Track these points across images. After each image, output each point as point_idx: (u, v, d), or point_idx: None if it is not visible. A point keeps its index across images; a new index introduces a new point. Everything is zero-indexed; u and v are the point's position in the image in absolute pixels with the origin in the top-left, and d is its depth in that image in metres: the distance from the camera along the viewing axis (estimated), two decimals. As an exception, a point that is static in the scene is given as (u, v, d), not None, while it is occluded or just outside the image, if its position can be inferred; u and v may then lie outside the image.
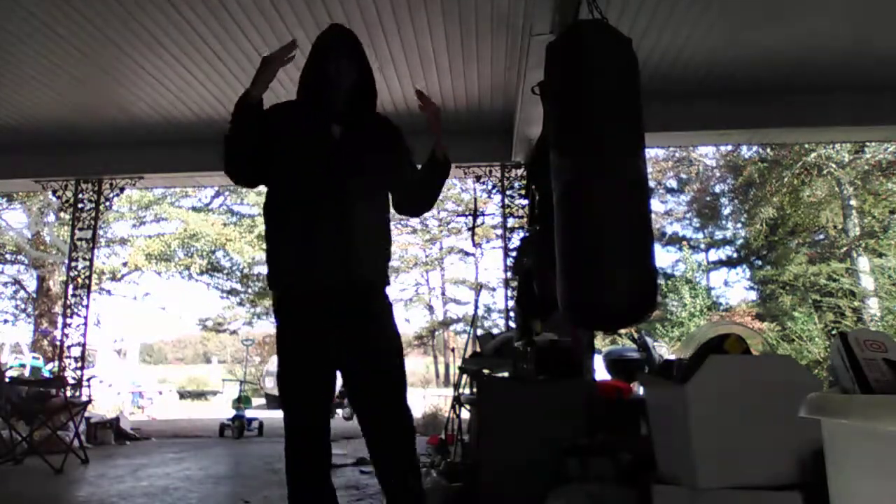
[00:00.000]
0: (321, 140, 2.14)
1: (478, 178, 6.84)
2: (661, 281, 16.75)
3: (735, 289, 22.41)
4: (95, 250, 7.07)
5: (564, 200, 2.35)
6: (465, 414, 4.94)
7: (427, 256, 21.64)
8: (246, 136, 2.12)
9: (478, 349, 5.05)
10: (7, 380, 5.43)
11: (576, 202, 2.32)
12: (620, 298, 2.27)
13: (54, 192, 7.05)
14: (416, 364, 23.58)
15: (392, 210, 2.31)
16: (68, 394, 5.62)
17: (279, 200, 2.15)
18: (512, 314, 6.29)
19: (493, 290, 17.39)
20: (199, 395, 17.10)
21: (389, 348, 2.13)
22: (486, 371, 4.48)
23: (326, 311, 2.04)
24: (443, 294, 22.28)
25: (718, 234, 18.96)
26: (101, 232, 11.49)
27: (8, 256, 14.96)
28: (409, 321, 22.18)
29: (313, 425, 2.11)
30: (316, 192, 2.07)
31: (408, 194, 2.30)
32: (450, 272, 22.30)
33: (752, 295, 18.11)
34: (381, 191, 2.23)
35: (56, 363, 7.52)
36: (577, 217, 2.32)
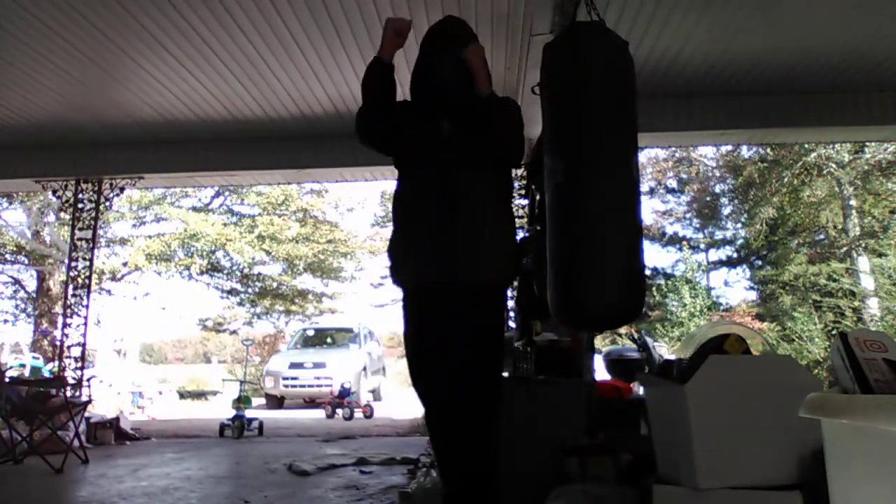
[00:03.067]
0: (431, 137, 2.23)
1: (478, 178, 6.82)
2: (660, 281, 16.79)
3: (735, 289, 22.41)
4: (95, 250, 7.07)
5: (555, 203, 2.36)
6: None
7: (428, 256, 21.53)
8: (373, 96, 2.27)
9: (478, 349, 5.04)
10: (7, 380, 5.42)
11: (566, 205, 2.32)
12: (607, 300, 2.27)
13: (54, 192, 7.05)
14: (416, 364, 23.46)
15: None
16: (68, 394, 5.62)
17: (398, 196, 2.29)
18: (512, 314, 6.29)
19: (493, 290, 17.33)
20: (199, 395, 17.08)
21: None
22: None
23: (430, 309, 2.14)
24: (443, 294, 22.21)
25: (718, 234, 18.97)
26: (101, 232, 11.50)
27: (8, 256, 14.95)
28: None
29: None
30: (425, 190, 2.18)
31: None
32: (450, 272, 22.23)
33: (752, 295, 18.13)
34: (492, 181, 2.23)
35: (56, 363, 7.52)
36: (567, 220, 2.33)
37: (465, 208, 2.13)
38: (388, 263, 2.26)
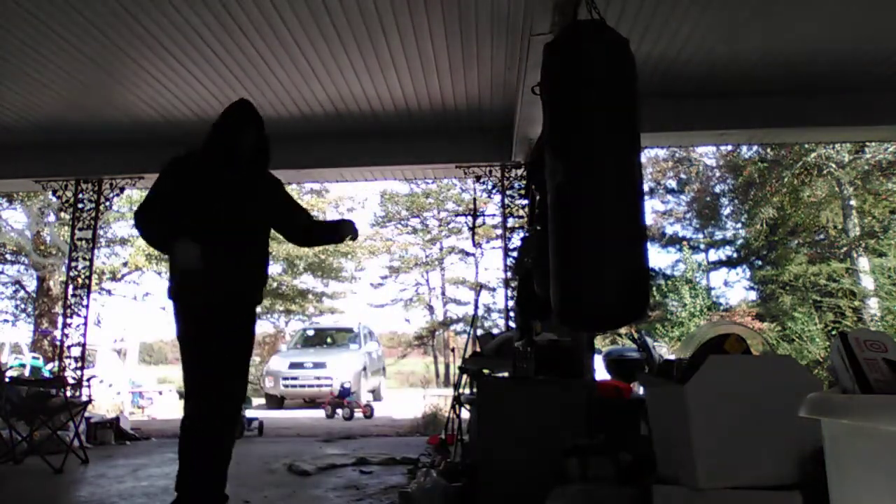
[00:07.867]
0: (227, 187, 2.81)
1: (478, 178, 6.84)
2: (660, 281, 16.78)
3: (735, 289, 22.47)
4: (95, 250, 7.08)
5: (557, 202, 2.36)
6: (465, 414, 4.94)
7: (427, 256, 21.66)
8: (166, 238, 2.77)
9: (478, 349, 5.05)
10: (7, 380, 5.42)
11: (567, 204, 2.32)
12: (610, 300, 2.27)
13: (54, 192, 7.05)
14: (416, 364, 23.54)
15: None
16: (68, 394, 5.62)
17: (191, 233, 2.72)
18: (512, 314, 6.29)
19: (493, 290, 17.40)
20: (199, 395, 17.06)
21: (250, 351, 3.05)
22: (486, 371, 4.48)
23: (222, 322, 2.75)
24: (443, 294, 22.28)
25: (718, 234, 18.98)
26: (101, 232, 11.49)
27: (8, 256, 14.95)
28: (409, 321, 22.22)
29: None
30: (221, 229, 2.75)
31: (295, 233, 3.18)
32: (450, 272, 22.30)
33: (752, 295, 18.15)
34: (266, 229, 3.03)
35: (56, 363, 7.53)
36: (569, 219, 2.33)
37: (251, 255, 2.90)
38: (185, 285, 2.76)
